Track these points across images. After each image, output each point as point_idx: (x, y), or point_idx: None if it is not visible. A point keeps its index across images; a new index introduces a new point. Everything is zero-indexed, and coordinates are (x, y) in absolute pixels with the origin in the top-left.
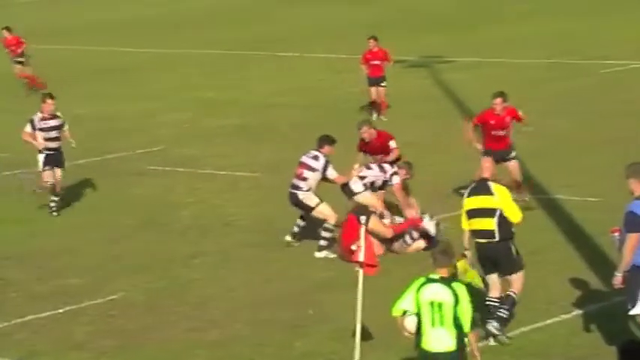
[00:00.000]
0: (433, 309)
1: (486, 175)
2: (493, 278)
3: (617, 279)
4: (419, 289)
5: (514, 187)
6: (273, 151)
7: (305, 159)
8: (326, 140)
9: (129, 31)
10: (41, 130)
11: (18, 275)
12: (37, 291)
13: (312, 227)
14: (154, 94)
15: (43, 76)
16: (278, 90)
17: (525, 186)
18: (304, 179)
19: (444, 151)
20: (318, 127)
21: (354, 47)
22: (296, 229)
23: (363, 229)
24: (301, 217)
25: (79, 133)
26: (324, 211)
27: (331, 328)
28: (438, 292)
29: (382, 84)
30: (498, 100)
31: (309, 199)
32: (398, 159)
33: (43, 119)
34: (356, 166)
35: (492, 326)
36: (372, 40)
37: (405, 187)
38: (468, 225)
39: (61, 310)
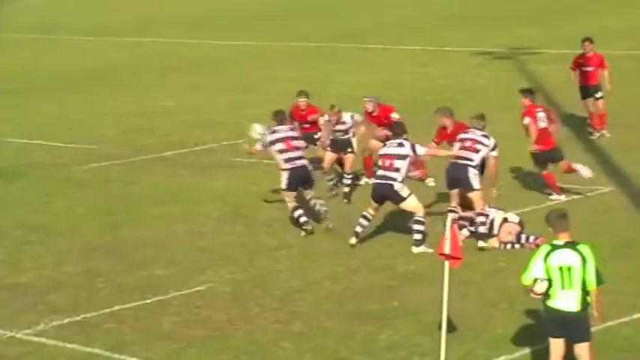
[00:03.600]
0: (562, 273)
1: None
2: None
3: None
4: (547, 256)
5: None
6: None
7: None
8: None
9: (221, 25)
10: None
11: (105, 266)
12: (124, 282)
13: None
14: (244, 86)
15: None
16: (363, 82)
17: None
18: (397, 170)
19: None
20: (404, 120)
21: (440, 40)
22: (359, 228)
23: (448, 221)
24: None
25: (166, 126)
26: (413, 203)
27: (416, 321)
28: (565, 257)
29: (597, 94)
30: None
31: (402, 189)
32: None
33: None
34: None
35: None
36: (587, 43)
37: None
38: None
39: (148, 301)
